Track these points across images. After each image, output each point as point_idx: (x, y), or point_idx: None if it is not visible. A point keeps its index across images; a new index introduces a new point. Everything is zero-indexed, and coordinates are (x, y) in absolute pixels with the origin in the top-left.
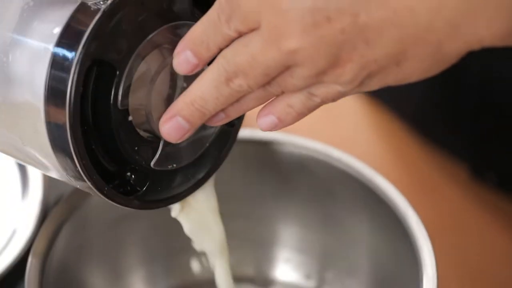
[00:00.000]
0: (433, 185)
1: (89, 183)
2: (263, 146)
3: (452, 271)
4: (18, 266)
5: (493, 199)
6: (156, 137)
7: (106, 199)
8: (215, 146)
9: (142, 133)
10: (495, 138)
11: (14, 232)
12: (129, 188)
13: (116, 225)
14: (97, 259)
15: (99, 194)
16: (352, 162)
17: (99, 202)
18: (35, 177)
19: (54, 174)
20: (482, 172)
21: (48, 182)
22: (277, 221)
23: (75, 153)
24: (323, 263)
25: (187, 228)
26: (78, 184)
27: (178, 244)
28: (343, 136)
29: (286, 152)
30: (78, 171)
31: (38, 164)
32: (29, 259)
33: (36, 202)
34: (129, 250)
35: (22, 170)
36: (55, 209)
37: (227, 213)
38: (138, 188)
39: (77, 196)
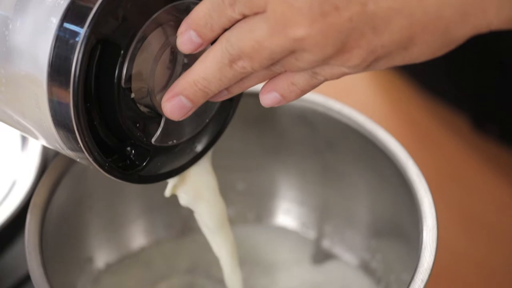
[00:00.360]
0: (433, 138)
1: (90, 159)
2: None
3: (452, 222)
4: (18, 218)
5: (493, 151)
6: (158, 114)
7: (106, 174)
8: (214, 120)
9: (143, 109)
10: (497, 89)
11: (14, 184)
12: (128, 162)
13: None
14: (97, 210)
15: (100, 170)
16: (353, 114)
17: None
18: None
19: (52, 147)
20: (484, 124)
21: None
22: (277, 174)
23: (78, 131)
24: (322, 215)
25: (185, 201)
26: (77, 158)
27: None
28: (344, 88)
29: (286, 104)
30: (80, 147)
31: (36, 137)
32: (29, 210)
33: (35, 153)
34: (128, 200)
35: None
36: (55, 161)
37: (227, 166)
38: (138, 163)
39: None
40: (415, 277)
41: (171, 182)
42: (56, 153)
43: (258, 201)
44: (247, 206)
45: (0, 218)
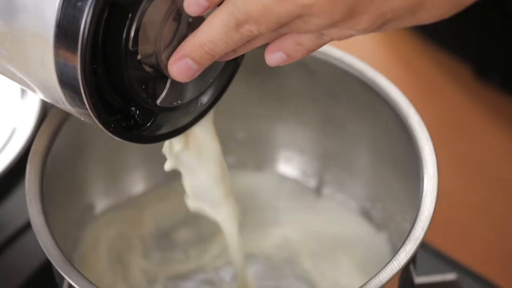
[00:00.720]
0: (435, 86)
1: (96, 120)
2: (264, 46)
3: (453, 170)
4: (18, 166)
5: (496, 100)
6: (163, 75)
7: (110, 134)
8: (218, 79)
9: (149, 70)
10: (501, 37)
11: (13, 131)
12: (133, 123)
13: None
14: (97, 158)
15: (104, 130)
16: (354, 62)
17: None
18: None
19: (56, 104)
20: (486, 72)
21: None
22: (277, 122)
23: (85, 92)
24: (323, 163)
25: (187, 162)
26: (81, 117)
27: None
28: None
29: None
30: (86, 108)
31: (40, 95)
32: (29, 158)
33: (35, 101)
34: (129, 149)
35: None
36: (55, 108)
37: (228, 114)
38: (142, 124)
39: None
40: (415, 225)
41: (174, 141)
42: None
43: (258, 149)
44: (247, 154)
45: (0, 166)
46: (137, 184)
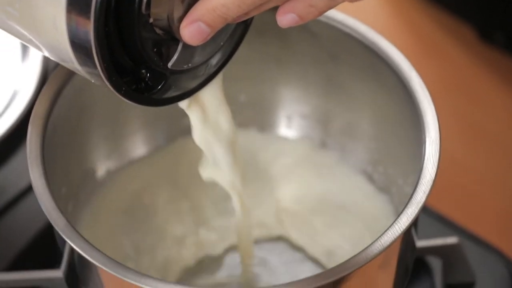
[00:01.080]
0: (439, 47)
1: (107, 83)
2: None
3: (456, 133)
4: (19, 128)
5: (499, 60)
6: (175, 39)
7: (120, 97)
8: (228, 41)
9: (161, 33)
10: None
11: (14, 94)
12: (143, 85)
13: None
14: (99, 121)
15: (115, 93)
16: (356, 24)
17: None
18: None
19: (66, 66)
20: (490, 33)
21: None
22: (280, 85)
23: (97, 55)
24: (325, 126)
25: (196, 122)
26: (91, 79)
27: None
28: None
29: None
30: (97, 70)
31: (49, 55)
32: (30, 121)
33: (36, 63)
34: (130, 112)
35: None
36: (56, 71)
37: (229, 76)
38: (153, 87)
39: None
40: (417, 189)
41: (184, 103)
42: (57, 64)
43: (259, 112)
44: (249, 117)
45: (1, 129)
46: (139, 147)
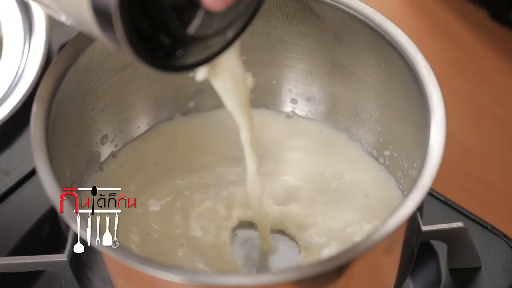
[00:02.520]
0: (448, 29)
1: (130, 51)
2: None
3: (465, 116)
4: (23, 112)
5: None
6: (196, 5)
7: (142, 62)
8: (247, 7)
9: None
10: None
11: (18, 76)
12: (161, 51)
13: (122, 69)
14: (102, 104)
15: (137, 58)
16: (361, 6)
17: (104, 47)
18: (39, 21)
19: (85, 32)
20: (502, 14)
21: (52, 25)
22: (285, 67)
23: (119, 19)
24: (330, 110)
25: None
26: (109, 43)
27: (183, 92)
28: None
29: None
30: (118, 35)
31: (65, 18)
32: (34, 103)
33: (40, 46)
34: (135, 95)
35: (26, 14)
36: (60, 53)
37: None
38: (171, 53)
39: (82, 40)
40: (422, 173)
41: (201, 70)
42: (61, 46)
43: (263, 96)
44: (253, 100)
45: (5, 112)
46: (143, 130)
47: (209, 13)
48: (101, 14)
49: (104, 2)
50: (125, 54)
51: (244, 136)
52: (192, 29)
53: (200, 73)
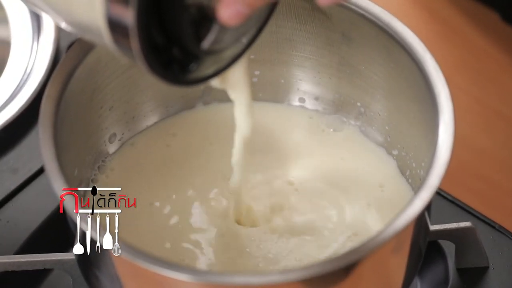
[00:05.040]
0: (457, 30)
1: (142, 63)
2: None
3: (473, 116)
4: (31, 110)
5: None
6: (209, 19)
7: (154, 76)
8: (255, 23)
9: (196, 14)
10: None
11: (27, 75)
12: (175, 66)
13: (130, 68)
14: (110, 102)
15: (151, 73)
16: (369, 6)
17: None
18: (48, 20)
19: (98, 44)
20: None
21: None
22: (293, 66)
23: (137, 36)
24: (338, 109)
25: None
26: (121, 58)
27: (191, 90)
28: None
29: None
30: (134, 52)
31: (82, 35)
32: (42, 102)
33: (49, 44)
34: (143, 93)
35: (34, 13)
36: (68, 52)
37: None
38: (184, 66)
39: None
40: (430, 173)
41: (216, 82)
42: (70, 45)
43: (272, 94)
44: (261, 98)
45: (13, 111)
46: (151, 128)
47: (223, 28)
48: (117, 28)
49: (121, 16)
50: (138, 67)
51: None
52: (206, 43)
53: (214, 82)
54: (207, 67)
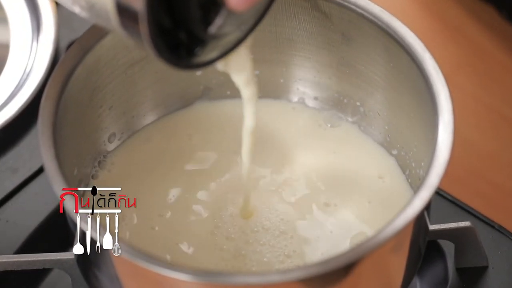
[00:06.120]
0: (457, 28)
1: (150, 48)
2: None
3: (473, 116)
4: (30, 109)
5: None
6: (217, 5)
7: (162, 60)
8: (259, 6)
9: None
10: None
11: (26, 75)
12: (181, 50)
13: (130, 67)
14: (110, 102)
15: (158, 57)
16: (369, 5)
17: (112, 45)
18: (47, 19)
19: (106, 27)
20: None
21: (60, 23)
22: (292, 66)
23: (146, 21)
24: (337, 109)
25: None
26: (127, 39)
27: (191, 90)
28: None
29: None
30: (142, 36)
31: (89, 18)
32: (42, 101)
33: (48, 44)
34: (142, 93)
35: (34, 12)
36: (68, 52)
37: None
38: (189, 50)
39: (90, 38)
40: (430, 172)
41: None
42: (69, 44)
43: (271, 94)
44: (260, 100)
45: (13, 110)
46: (151, 128)
47: (230, 13)
48: (126, 13)
49: (130, 2)
50: (144, 51)
51: (248, 124)
52: (213, 28)
53: (218, 65)
54: (211, 51)
